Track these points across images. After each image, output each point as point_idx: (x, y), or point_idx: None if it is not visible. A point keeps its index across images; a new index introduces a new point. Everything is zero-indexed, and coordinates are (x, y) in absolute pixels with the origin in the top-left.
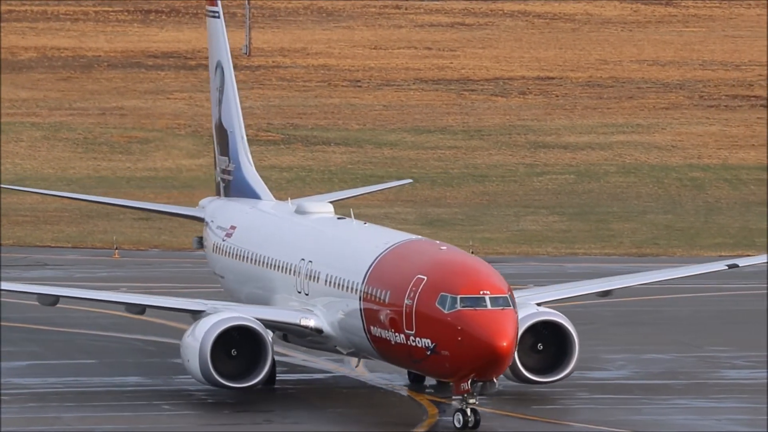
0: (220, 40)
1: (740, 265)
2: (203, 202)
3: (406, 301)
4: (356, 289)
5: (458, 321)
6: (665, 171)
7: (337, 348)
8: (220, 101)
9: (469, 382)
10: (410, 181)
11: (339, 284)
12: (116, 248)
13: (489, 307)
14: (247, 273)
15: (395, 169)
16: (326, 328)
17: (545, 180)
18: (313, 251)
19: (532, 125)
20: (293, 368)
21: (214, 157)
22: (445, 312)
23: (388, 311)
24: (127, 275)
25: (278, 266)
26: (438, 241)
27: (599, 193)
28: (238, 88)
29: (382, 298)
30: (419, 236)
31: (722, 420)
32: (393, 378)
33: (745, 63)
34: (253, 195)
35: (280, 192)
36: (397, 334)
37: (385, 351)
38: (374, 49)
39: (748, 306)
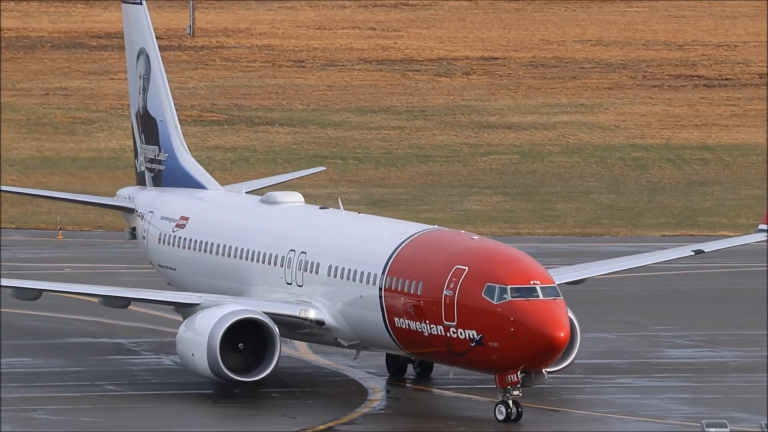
0: (144, 26)
1: (706, 250)
2: (127, 191)
3: (445, 292)
4: (373, 281)
5: (510, 312)
6: (608, 151)
7: (338, 340)
8: (144, 89)
9: (518, 374)
10: (323, 168)
11: (348, 276)
12: (60, 229)
13: (541, 297)
14: (209, 265)
15: (339, 149)
16: (328, 319)
17: (489, 160)
18: (307, 242)
19: (476, 105)
20: None
21: (135, 147)
22: (494, 303)
23: (422, 302)
24: (70, 256)
25: (256, 257)
26: (462, 231)
27: (543, 173)
28: (182, 69)
29: (411, 289)
30: (436, 226)
31: (665, 399)
32: (337, 359)
33: (688, 43)
34: (194, 184)
35: (225, 173)
36: (432, 325)
37: (412, 343)
38: (318, 29)
39: (691, 285)
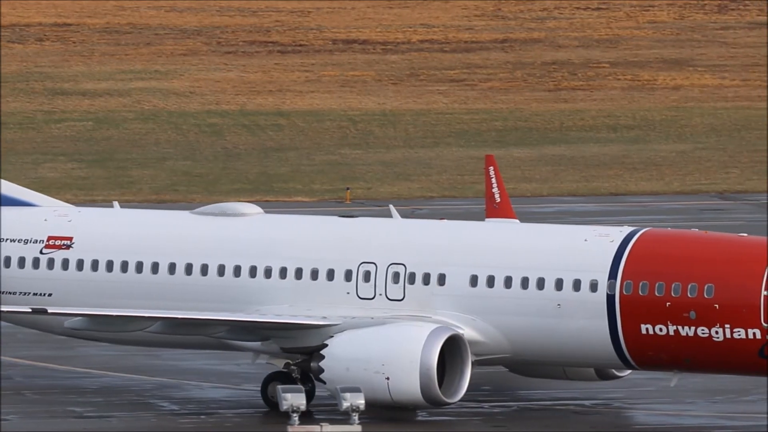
0: None
1: None
2: None
3: (765, 293)
4: (591, 288)
5: None
6: (184, 117)
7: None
8: None
9: None
10: None
11: (523, 284)
12: None
13: None
14: (150, 287)
15: None
16: (469, 333)
17: (63, 127)
18: (397, 253)
19: (50, 72)
20: None
21: None
22: None
23: (716, 306)
24: None
25: (281, 274)
26: (700, 230)
27: (118, 140)
28: None
29: (690, 293)
30: (625, 226)
31: (242, 365)
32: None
33: (262, 9)
34: (10, 202)
35: None
36: (738, 329)
37: (661, 351)
38: None
39: None
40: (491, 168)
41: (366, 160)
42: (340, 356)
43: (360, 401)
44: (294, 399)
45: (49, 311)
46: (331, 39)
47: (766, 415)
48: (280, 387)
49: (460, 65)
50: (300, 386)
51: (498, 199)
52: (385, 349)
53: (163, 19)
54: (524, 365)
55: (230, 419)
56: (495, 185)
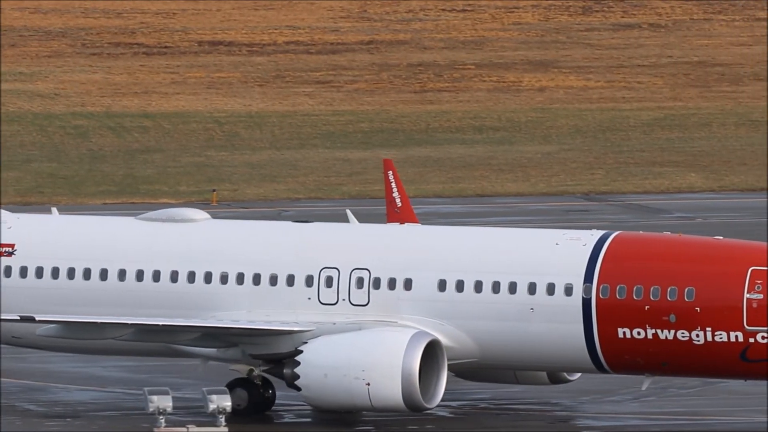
0: None
1: None
2: None
3: (748, 296)
4: (566, 292)
5: None
6: (49, 119)
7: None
8: None
9: None
10: None
11: (494, 289)
12: None
13: None
14: (102, 294)
15: None
16: (442, 340)
17: None
18: (361, 257)
19: None
20: None
21: None
22: None
23: (698, 309)
24: None
25: (238, 279)
26: (672, 233)
27: None
28: None
29: (669, 296)
30: (594, 230)
31: (108, 367)
32: None
33: (127, 11)
34: None
35: None
36: (720, 332)
37: (639, 355)
38: None
39: None
40: (390, 172)
41: (232, 161)
42: (317, 362)
43: (226, 403)
44: (160, 401)
45: (36, 319)
46: (196, 41)
47: (766, 417)
48: (146, 389)
49: (326, 67)
50: (167, 389)
51: (399, 204)
52: (365, 355)
53: (27, 20)
54: (475, 369)
55: (96, 422)
56: (395, 189)
